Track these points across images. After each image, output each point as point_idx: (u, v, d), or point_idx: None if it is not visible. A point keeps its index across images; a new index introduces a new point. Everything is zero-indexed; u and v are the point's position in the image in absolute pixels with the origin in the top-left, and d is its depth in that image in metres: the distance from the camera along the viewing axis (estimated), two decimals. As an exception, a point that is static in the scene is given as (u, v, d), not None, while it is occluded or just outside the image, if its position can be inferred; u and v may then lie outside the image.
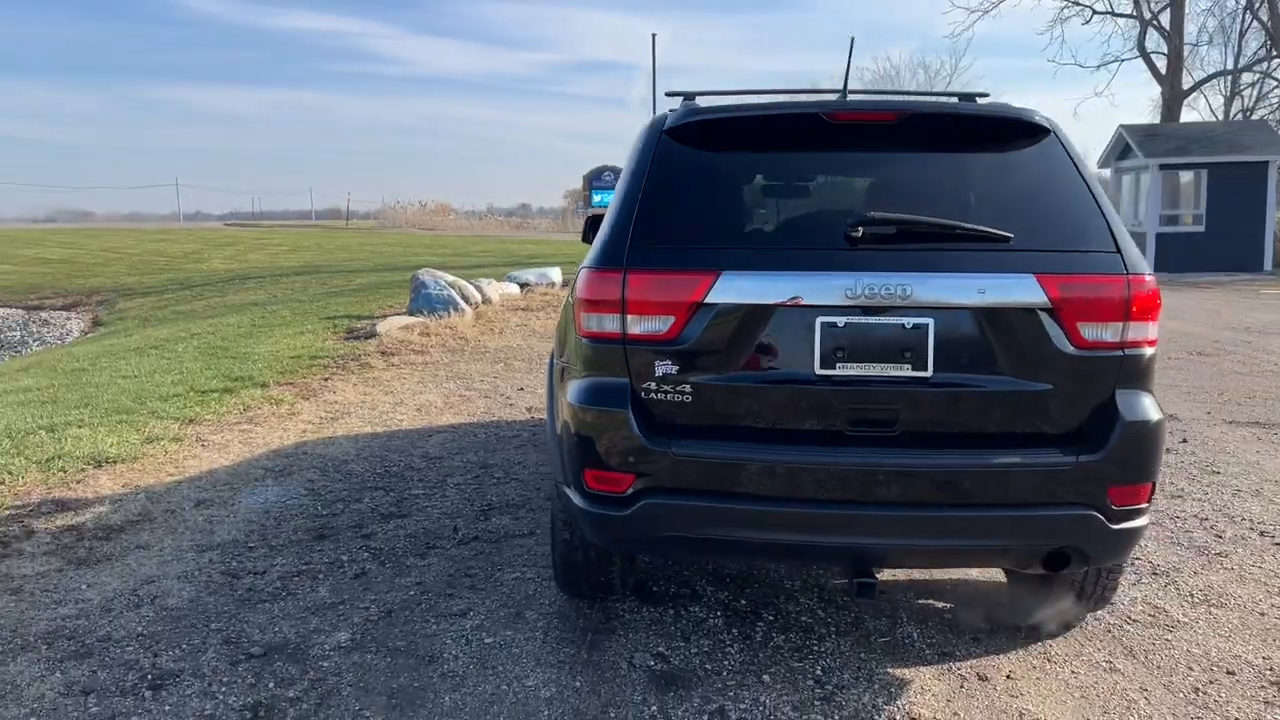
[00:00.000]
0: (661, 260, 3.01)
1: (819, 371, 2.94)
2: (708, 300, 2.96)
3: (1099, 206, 3.07)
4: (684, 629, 3.57)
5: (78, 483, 5.47)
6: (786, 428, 2.99)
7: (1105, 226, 3.03)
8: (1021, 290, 2.89)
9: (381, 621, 3.66)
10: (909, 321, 2.92)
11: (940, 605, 3.82)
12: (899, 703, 3.07)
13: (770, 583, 3.96)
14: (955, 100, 3.82)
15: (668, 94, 3.92)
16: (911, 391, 2.94)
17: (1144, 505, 3.01)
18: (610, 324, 3.04)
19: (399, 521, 4.77)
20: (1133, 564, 4.17)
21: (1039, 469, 2.90)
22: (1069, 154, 3.19)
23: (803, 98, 3.86)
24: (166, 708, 3.06)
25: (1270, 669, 3.31)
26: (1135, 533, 3.03)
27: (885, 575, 4.01)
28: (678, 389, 3.00)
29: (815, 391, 2.96)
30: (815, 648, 3.44)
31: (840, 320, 2.92)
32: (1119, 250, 2.99)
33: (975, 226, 3.00)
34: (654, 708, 3.05)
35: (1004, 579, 3.83)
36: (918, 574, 4.02)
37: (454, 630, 3.58)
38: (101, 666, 3.33)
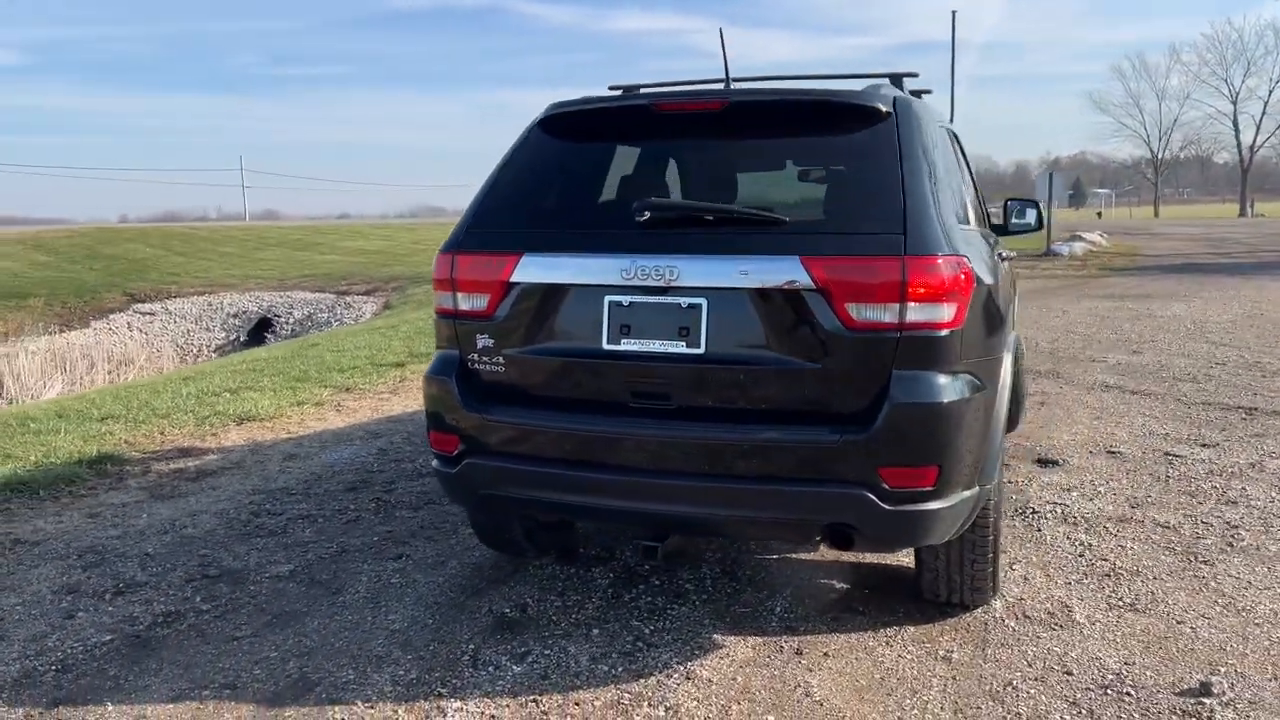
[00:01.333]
0: (483, 243, 3.35)
1: (606, 346, 3.17)
2: (513, 279, 3.27)
3: (904, 189, 3.06)
4: (569, 586, 3.87)
5: (213, 435, 6.49)
6: (580, 398, 3.25)
7: (900, 209, 3.02)
8: (785, 272, 2.98)
9: (328, 559, 4.22)
10: (685, 301, 3.08)
11: (832, 584, 3.86)
12: (690, 664, 3.23)
13: (691, 554, 4.16)
14: (828, 84, 3.83)
15: (610, 87, 4.20)
16: (686, 367, 3.10)
17: (928, 489, 2.99)
18: (446, 301, 3.42)
19: (427, 480, 5.34)
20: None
21: (806, 445, 2.98)
22: (899, 136, 3.18)
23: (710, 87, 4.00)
24: (110, 609, 3.77)
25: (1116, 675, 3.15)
26: (923, 516, 3.01)
27: (807, 553, 4.10)
28: (494, 361, 3.34)
29: (604, 365, 3.19)
30: (671, 612, 3.63)
31: (626, 299, 3.14)
32: (905, 232, 2.97)
33: (744, 210, 3.11)
34: (473, 645, 3.40)
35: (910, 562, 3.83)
36: (822, 553, 4.06)
37: (377, 570, 4.08)
38: (98, 575, 4.11)
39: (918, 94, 4.02)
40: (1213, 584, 3.79)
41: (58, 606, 3.78)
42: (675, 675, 3.15)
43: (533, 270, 3.22)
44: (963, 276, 3.01)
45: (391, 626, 3.54)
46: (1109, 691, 3.02)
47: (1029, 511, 4.66)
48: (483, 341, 3.34)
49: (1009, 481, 5.13)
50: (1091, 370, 8.31)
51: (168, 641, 3.46)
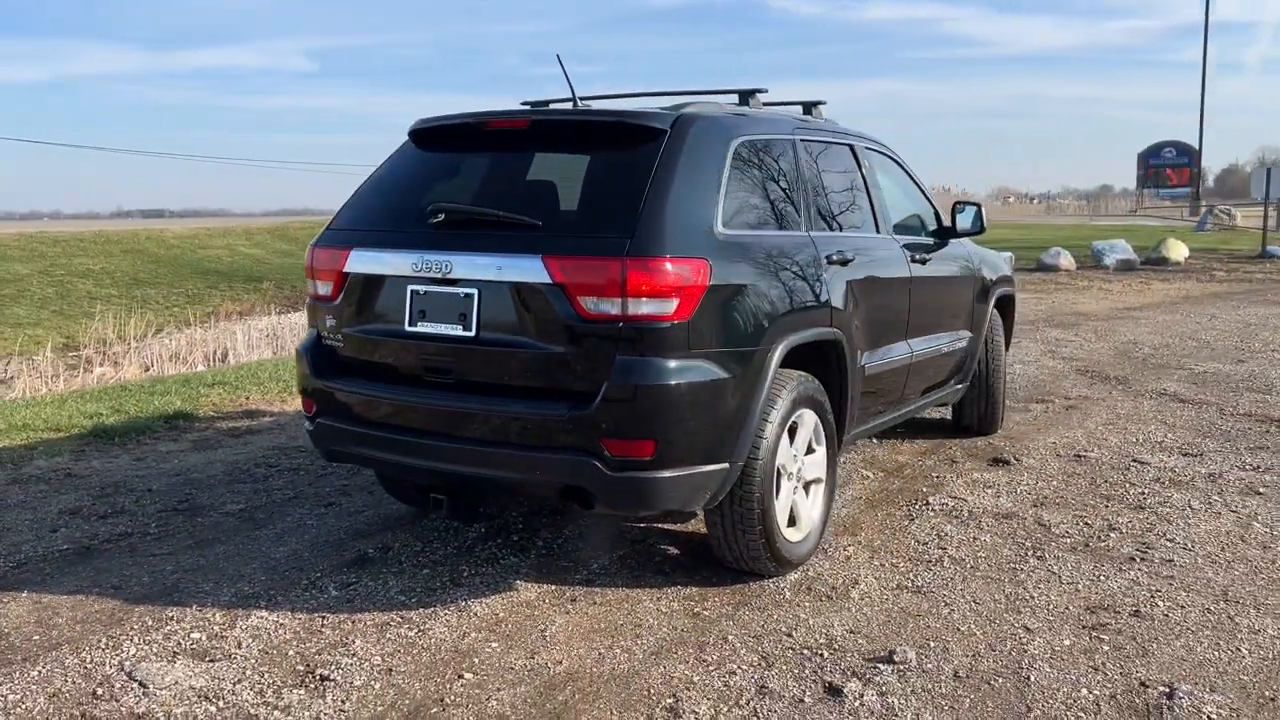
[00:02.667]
0: (332, 240, 4.07)
1: (408, 328, 3.81)
2: (346, 270, 3.96)
3: (646, 199, 3.53)
4: (441, 536, 4.50)
5: (279, 400, 7.56)
6: (391, 371, 3.91)
7: (634, 216, 3.49)
8: (531, 270, 3.51)
9: (276, 504, 5.06)
10: (463, 291, 3.68)
11: (666, 550, 4.33)
12: (475, 600, 3.79)
13: (574, 517, 4.70)
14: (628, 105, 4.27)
15: (522, 103, 4.83)
16: (462, 348, 3.70)
17: (647, 459, 3.46)
18: (310, 287, 4.17)
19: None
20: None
21: (547, 417, 3.52)
22: (663, 153, 3.65)
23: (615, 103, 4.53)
24: (85, 527, 4.72)
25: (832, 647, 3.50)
26: (645, 483, 3.47)
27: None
28: (336, 338, 4.05)
29: (407, 344, 3.83)
30: (503, 562, 4.20)
31: (423, 289, 3.77)
32: (632, 237, 3.45)
33: (508, 214, 3.65)
34: (318, 574, 4.10)
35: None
36: (671, 525, 4.51)
37: (303, 514, 4.87)
38: (100, 503, 5.10)
39: (811, 109, 4.71)
40: (1017, 577, 4.01)
41: (52, 523, 4.77)
42: (452, 608, 3.74)
43: (358, 263, 3.89)
44: (695, 277, 3.43)
45: (273, 555, 4.30)
46: (804, 652, 3.37)
47: (921, 504, 4.91)
48: (329, 321, 4.04)
49: (936, 476, 5.34)
50: (1166, 378, 8.14)
51: (103, 553, 4.35)
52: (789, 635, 3.49)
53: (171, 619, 3.63)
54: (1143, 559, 4.17)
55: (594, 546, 4.30)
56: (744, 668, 3.25)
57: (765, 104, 4.59)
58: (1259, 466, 5.50)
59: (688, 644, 3.42)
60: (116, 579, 4.03)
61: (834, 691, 3.09)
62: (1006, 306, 6.48)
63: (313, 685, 3.13)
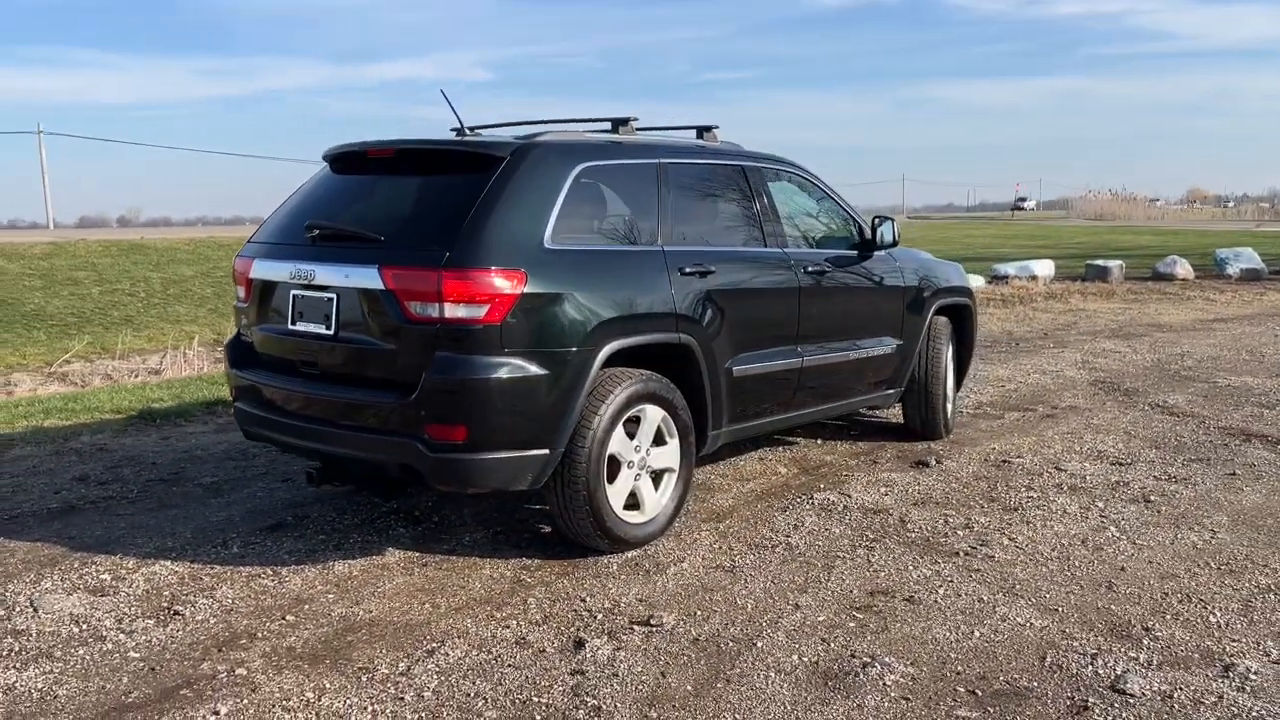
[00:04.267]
0: (246, 250, 4.83)
1: (290, 326, 4.53)
2: (251, 276, 4.72)
3: (471, 217, 4.14)
4: (354, 509, 5.20)
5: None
6: (281, 363, 4.64)
7: (456, 233, 4.11)
8: (369, 277, 4.15)
9: (244, 479, 5.86)
10: (326, 295, 4.38)
11: (542, 526, 4.90)
12: (341, 561, 4.48)
13: (475, 499, 5.32)
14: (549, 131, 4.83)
15: (451, 129, 5.51)
16: (325, 344, 4.40)
17: (461, 443, 4.07)
18: (237, 292, 4.96)
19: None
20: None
21: (381, 405, 4.18)
22: (498, 177, 4.24)
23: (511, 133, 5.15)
24: (81, 490, 5.62)
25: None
26: (462, 463, 4.07)
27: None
28: (246, 334, 4.82)
29: (289, 340, 4.55)
30: (392, 532, 4.87)
31: (302, 293, 4.49)
32: (450, 250, 4.06)
33: (355, 229, 4.32)
34: (235, 535, 4.85)
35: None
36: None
37: (261, 487, 5.64)
38: (107, 472, 5.99)
39: (703, 133, 5.28)
40: (833, 563, 4.40)
41: (60, 486, 5.71)
42: (319, 567, 4.41)
43: (259, 270, 4.63)
44: (508, 286, 4.01)
45: (210, 519, 5.09)
46: (584, 614, 3.87)
47: (806, 498, 5.31)
48: (243, 320, 4.80)
49: (845, 475, 5.73)
50: (1179, 391, 8.12)
51: (82, 511, 5.23)
52: (583, 600, 4.00)
53: (95, 564, 4.42)
54: (967, 554, 4.47)
55: (477, 523, 4.89)
56: (521, 623, 3.79)
57: (652, 129, 5.09)
58: (1176, 477, 5.63)
59: (490, 603, 3.98)
60: (76, 531, 4.87)
61: (578, 645, 3.60)
62: (962, 317, 6.71)
63: (162, 617, 3.85)
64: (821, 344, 5.47)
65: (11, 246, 17.71)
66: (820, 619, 3.77)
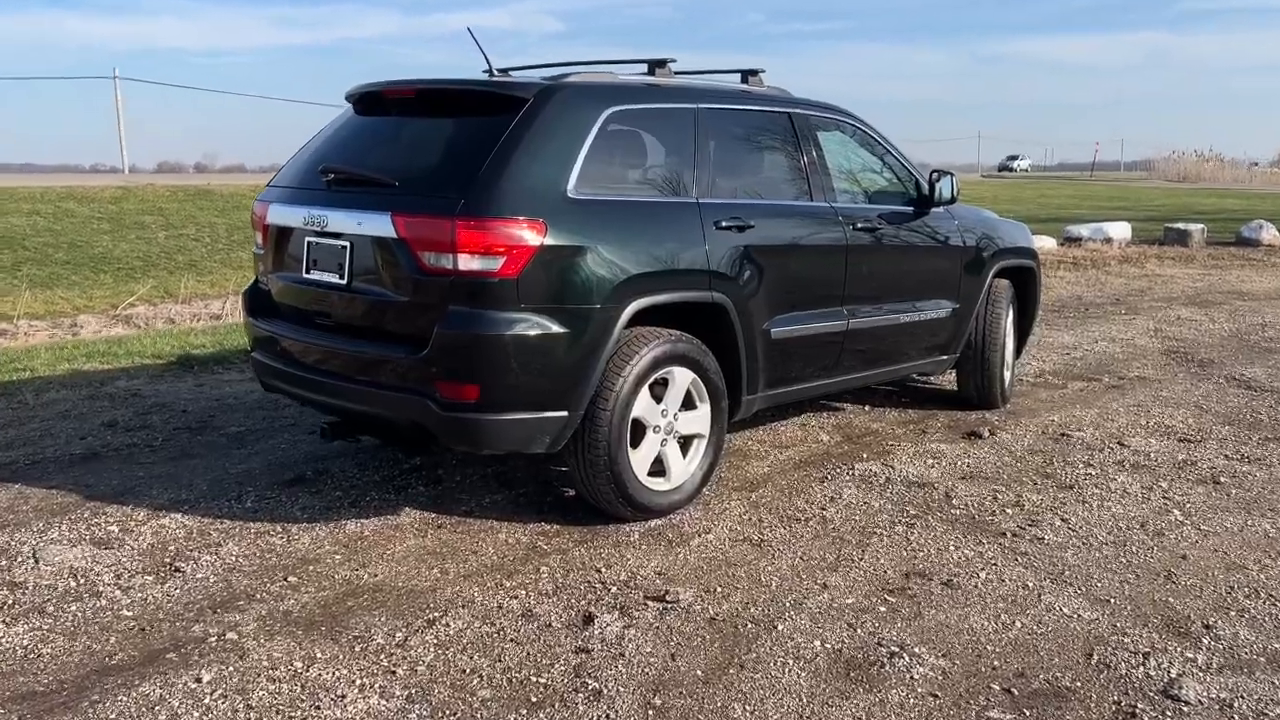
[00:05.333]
0: (264, 195, 4.63)
1: (305, 275, 4.35)
2: (268, 222, 4.54)
3: (490, 161, 3.89)
4: (375, 465, 5.03)
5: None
6: (296, 313, 4.46)
7: (471, 178, 3.86)
8: (382, 225, 3.94)
9: (274, 428, 5.72)
10: (340, 243, 4.18)
11: (564, 490, 4.67)
12: (354, 521, 4.31)
13: (503, 458, 5.08)
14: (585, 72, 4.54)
15: (483, 70, 5.25)
16: (338, 294, 4.21)
17: (473, 402, 3.86)
18: (256, 238, 4.78)
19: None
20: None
21: (392, 359, 3.98)
22: (520, 119, 3.99)
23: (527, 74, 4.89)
24: (108, 437, 5.54)
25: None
26: (474, 424, 3.87)
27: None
28: (262, 284, 4.65)
29: (304, 289, 4.37)
30: (410, 490, 4.70)
31: (316, 240, 4.30)
32: (465, 198, 3.83)
33: (369, 173, 4.09)
34: (251, 489, 4.72)
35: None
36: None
37: (287, 439, 5.51)
38: (136, 417, 5.91)
39: (749, 77, 4.96)
40: (868, 540, 4.16)
41: (86, 432, 5.63)
42: (331, 525, 4.25)
43: (275, 216, 4.44)
44: (526, 237, 3.77)
45: (229, 471, 4.96)
46: (597, 586, 3.68)
47: (847, 468, 5.04)
48: (261, 267, 4.62)
49: (891, 444, 5.45)
50: (1258, 364, 7.67)
51: (103, 459, 5.14)
52: (599, 571, 3.78)
53: (105, 514, 4.30)
54: (1015, 535, 4.17)
55: (500, 484, 4.70)
56: (530, 594, 3.58)
57: (692, 73, 4.78)
58: (1249, 457, 5.25)
59: (501, 570, 3.78)
60: (94, 479, 4.77)
61: (587, 620, 3.38)
62: (1024, 280, 6.34)
63: (162, 574, 3.71)
64: (870, 306, 5.15)
65: (83, 189, 17.87)
66: (849, 602, 3.51)
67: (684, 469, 4.33)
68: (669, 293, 4.14)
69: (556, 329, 3.79)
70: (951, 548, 4.01)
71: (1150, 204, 27.19)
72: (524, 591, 3.59)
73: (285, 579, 3.68)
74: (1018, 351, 6.51)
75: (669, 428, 4.25)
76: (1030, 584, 3.67)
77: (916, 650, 3.17)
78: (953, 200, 5.49)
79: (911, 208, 5.45)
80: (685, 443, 4.39)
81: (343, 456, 5.05)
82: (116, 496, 4.50)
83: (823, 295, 4.91)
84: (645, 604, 3.48)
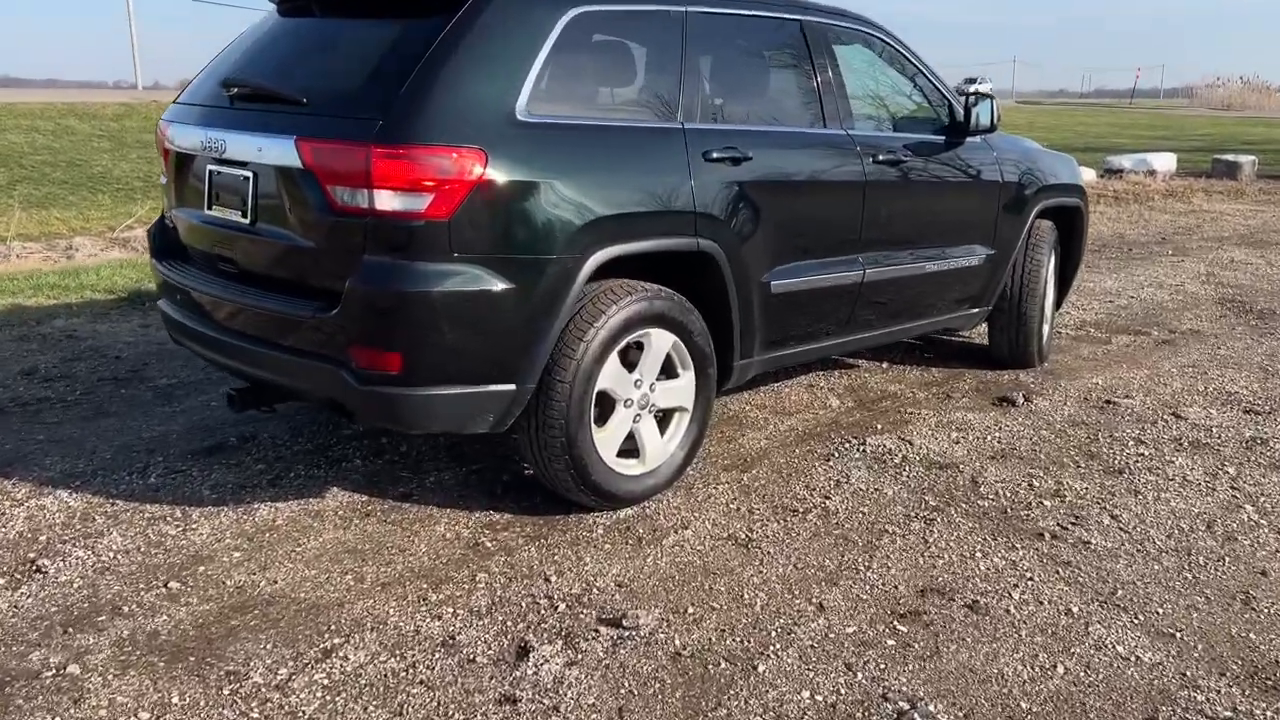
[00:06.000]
0: (167, 114, 3.88)
1: (206, 212, 3.61)
2: (167, 146, 3.79)
3: (415, 73, 3.11)
4: (310, 431, 4.35)
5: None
6: (199, 257, 3.73)
7: (392, 94, 3.09)
8: (285, 152, 3.19)
9: (208, 380, 5.04)
10: (241, 174, 3.43)
11: (520, 470, 3.99)
12: (254, 505, 3.67)
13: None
14: None
15: None
16: (242, 237, 3.47)
17: (395, 374, 3.14)
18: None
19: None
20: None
21: (297, 318, 3.26)
22: (456, 20, 3.21)
23: None
24: (19, 388, 4.90)
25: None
26: (397, 400, 3.16)
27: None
28: (169, 219, 3.91)
29: (206, 229, 3.64)
30: (346, 465, 4.01)
31: (217, 169, 3.55)
32: (384, 119, 3.06)
33: (277, 88, 3.32)
34: (160, 457, 4.06)
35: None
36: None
37: (213, 397, 4.87)
38: (60, 367, 5.25)
39: None
40: (877, 541, 3.48)
41: (29, 350, 4.96)
42: (240, 510, 3.58)
43: (175, 138, 3.69)
44: (460, 170, 3.01)
45: (143, 434, 4.28)
46: (542, 601, 3.02)
47: (857, 442, 4.33)
48: (166, 201, 3.88)
49: (910, 412, 4.71)
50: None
51: (6, 416, 4.48)
52: (547, 580, 3.10)
53: (-20, 490, 3.63)
54: (1055, 537, 3.45)
55: (451, 459, 4.02)
56: (459, 612, 2.90)
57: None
58: (1328, 435, 4.46)
59: (431, 577, 3.10)
60: (-14, 442, 4.09)
61: (522, 653, 2.71)
62: (1070, 222, 5.52)
63: (19, 575, 3.06)
64: (891, 253, 4.38)
65: (84, 106, 17.09)
66: (849, 630, 2.81)
67: (661, 449, 3.62)
68: (644, 239, 3.38)
69: (499, 284, 3.06)
70: (978, 553, 3.28)
71: (1195, 133, 25.94)
72: (451, 609, 2.90)
73: (166, 585, 3.01)
74: (1058, 303, 5.72)
75: (644, 401, 3.52)
76: (1075, 609, 2.95)
77: (930, 708, 2.47)
78: (992, 128, 4.67)
79: (943, 137, 4.64)
80: (664, 418, 3.67)
81: (277, 420, 4.35)
82: (2, 466, 3.82)
83: (835, 241, 4.14)
84: (596, 630, 2.79)
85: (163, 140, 3.73)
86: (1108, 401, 4.93)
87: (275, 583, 3.06)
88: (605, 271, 3.35)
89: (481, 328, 3.10)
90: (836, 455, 4.14)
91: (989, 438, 4.39)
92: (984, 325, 5.39)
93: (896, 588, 3.09)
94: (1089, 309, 6.95)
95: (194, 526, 3.40)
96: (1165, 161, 15.06)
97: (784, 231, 3.88)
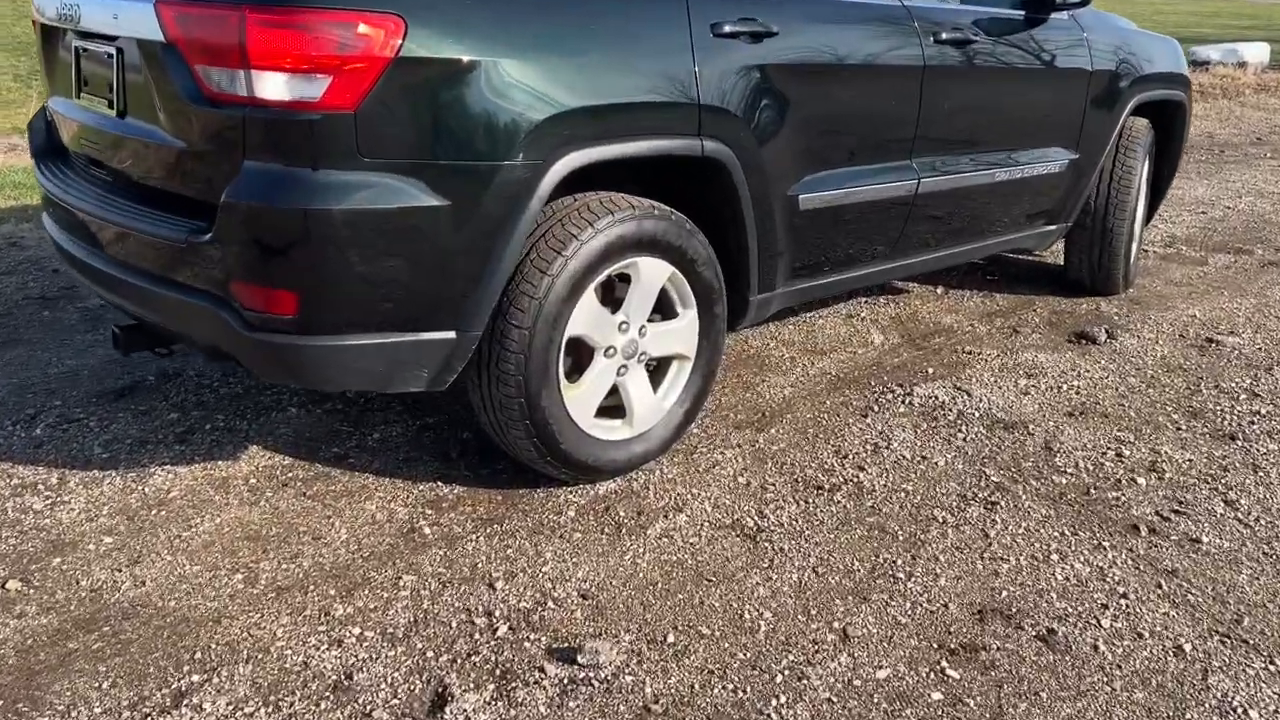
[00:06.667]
0: None
1: (75, 101, 2.84)
2: (35, 16, 3.00)
3: None
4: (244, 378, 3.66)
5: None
6: (77, 160, 2.96)
7: None
8: (142, 20, 2.40)
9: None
10: (105, 50, 2.64)
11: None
12: (151, 469, 2.97)
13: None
14: None
15: None
16: (109, 133, 2.70)
17: (289, 318, 2.38)
18: None
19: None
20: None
21: (165, 242, 2.50)
22: None
23: None
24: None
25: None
26: (293, 352, 2.42)
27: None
28: (50, 113, 3.14)
29: (75, 124, 2.87)
30: (282, 415, 3.33)
31: (83, 46, 2.76)
32: None
33: None
34: (58, 401, 3.37)
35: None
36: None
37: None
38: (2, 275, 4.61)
39: None
40: (922, 536, 2.72)
41: None
42: (131, 476, 2.91)
43: (38, 5, 2.90)
44: (369, 42, 2.20)
45: (48, 370, 3.60)
46: (477, 623, 2.31)
47: (902, 392, 3.55)
48: (46, 87, 3.11)
49: (969, 352, 3.88)
50: None
51: (-104, 345, 3.80)
52: (491, 586, 2.38)
53: None
54: (1154, 532, 2.66)
55: (404, 410, 3.31)
56: (367, 634, 2.20)
57: None
58: None
59: (345, 578, 2.40)
60: None
61: (437, 704, 2.03)
62: (1170, 120, 4.57)
63: None
64: (953, 157, 3.52)
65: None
66: (880, 675, 2.06)
67: (654, 407, 2.85)
68: (629, 140, 2.57)
69: (427, 199, 2.28)
70: (1054, 555, 2.49)
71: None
72: (359, 629, 2.19)
73: (3, 585, 2.31)
74: (1148, 217, 4.79)
75: (631, 348, 2.74)
76: (1187, 645, 2.17)
77: (992, 814, 1.70)
78: (1084, 1, 3.71)
79: (1022, 12, 3.71)
80: (659, 368, 2.89)
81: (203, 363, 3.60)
82: None
83: (883, 142, 3.28)
84: (542, 669, 2.06)
85: (34, 11, 2.93)
86: (1209, 340, 4.06)
87: (143, 584, 2.36)
88: (577, 183, 2.54)
89: (405, 258, 2.33)
90: (876, 409, 3.33)
91: (1065, 387, 3.56)
92: (1059, 243, 4.50)
93: (946, 606, 2.32)
94: (1179, 222, 5.99)
95: (66, 499, 2.71)
96: (1257, 53, 13.65)
97: (817, 130, 3.04)
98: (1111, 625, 2.29)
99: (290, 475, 2.88)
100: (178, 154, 2.42)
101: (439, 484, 2.85)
